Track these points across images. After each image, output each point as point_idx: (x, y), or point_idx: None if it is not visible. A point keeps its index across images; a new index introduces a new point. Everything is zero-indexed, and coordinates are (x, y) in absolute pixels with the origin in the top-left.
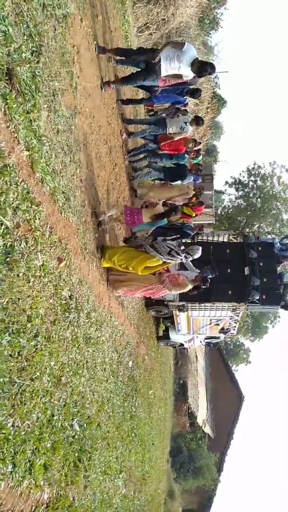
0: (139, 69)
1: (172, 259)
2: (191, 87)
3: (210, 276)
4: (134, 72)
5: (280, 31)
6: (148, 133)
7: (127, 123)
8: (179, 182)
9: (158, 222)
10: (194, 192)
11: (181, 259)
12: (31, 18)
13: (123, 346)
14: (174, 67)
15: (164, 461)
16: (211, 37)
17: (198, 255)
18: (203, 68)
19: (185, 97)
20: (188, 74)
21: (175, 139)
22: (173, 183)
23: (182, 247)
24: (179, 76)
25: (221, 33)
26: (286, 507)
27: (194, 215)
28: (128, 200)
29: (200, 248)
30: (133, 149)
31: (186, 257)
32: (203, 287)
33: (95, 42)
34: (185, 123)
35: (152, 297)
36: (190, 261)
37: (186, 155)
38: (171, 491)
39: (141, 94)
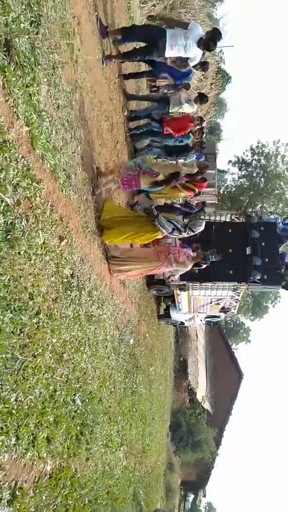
0: (142, 45)
1: (174, 235)
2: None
3: (214, 260)
4: (137, 47)
5: None
6: (151, 111)
7: (130, 99)
8: (182, 160)
9: (158, 187)
10: (197, 169)
11: (184, 235)
12: None
13: (124, 324)
14: (181, 43)
15: (164, 435)
16: (216, 9)
17: (201, 228)
18: (211, 40)
19: (190, 70)
20: (195, 53)
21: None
22: (177, 161)
23: (186, 221)
24: (185, 62)
25: (226, 5)
26: (279, 482)
27: (196, 190)
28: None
29: (204, 222)
30: (135, 128)
31: (188, 233)
32: (203, 265)
33: (96, 16)
34: (189, 100)
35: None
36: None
37: (191, 134)
38: (171, 463)
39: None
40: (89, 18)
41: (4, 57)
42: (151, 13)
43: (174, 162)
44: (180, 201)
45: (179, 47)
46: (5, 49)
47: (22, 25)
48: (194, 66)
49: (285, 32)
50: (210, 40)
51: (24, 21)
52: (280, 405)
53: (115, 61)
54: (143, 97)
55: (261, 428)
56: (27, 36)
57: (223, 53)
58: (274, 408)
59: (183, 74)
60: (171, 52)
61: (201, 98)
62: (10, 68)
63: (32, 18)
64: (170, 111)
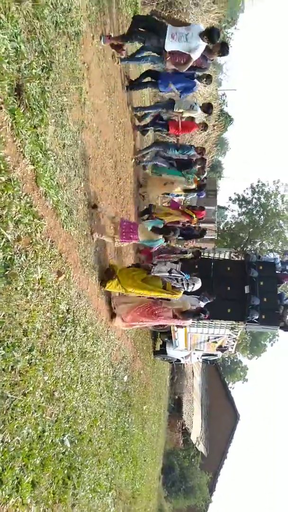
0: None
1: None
2: (200, 73)
3: (208, 301)
4: (137, 29)
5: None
6: (158, 108)
7: (136, 111)
8: (183, 179)
9: (156, 241)
10: (195, 186)
11: (184, 288)
12: (43, 35)
13: (119, 361)
14: (182, 32)
15: (155, 478)
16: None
17: (198, 286)
18: (213, 32)
19: (194, 80)
20: (197, 44)
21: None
22: (178, 176)
23: (185, 278)
24: (188, 58)
25: (230, 51)
26: None
27: (195, 217)
28: (130, 214)
29: (200, 280)
30: (143, 149)
31: (187, 286)
32: (202, 317)
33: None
34: (195, 103)
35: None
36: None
37: (193, 147)
38: (161, 510)
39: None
40: (99, 64)
41: (15, 100)
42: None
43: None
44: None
45: (180, 36)
46: (16, 93)
47: (34, 71)
48: (199, 79)
49: (284, 78)
50: (212, 32)
51: (36, 67)
52: (277, 448)
53: (116, 50)
54: (148, 107)
55: (258, 473)
56: (38, 81)
57: (225, 96)
58: (271, 451)
59: (186, 87)
60: (172, 42)
61: (208, 108)
62: (20, 110)
63: (44, 64)
64: (176, 110)
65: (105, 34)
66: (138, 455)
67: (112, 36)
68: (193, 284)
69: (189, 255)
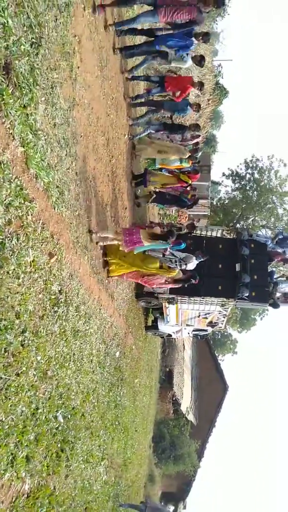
0: None
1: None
2: (196, 30)
3: (202, 260)
4: None
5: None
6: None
7: (127, 56)
8: (178, 138)
9: (159, 244)
10: (189, 154)
11: (178, 268)
12: (32, 8)
13: (111, 337)
14: None
15: (146, 446)
16: (216, 23)
17: (192, 265)
18: None
19: (192, 39)
20: None
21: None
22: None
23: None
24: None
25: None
26: (261, 494)
27: (190, 182)
28: (123, 192)
29: (194, 258)
30: (138, 117)
31: (181, 266)
32: (193, 281)
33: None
34: (186, 54)
35: (145, 285)
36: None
37: (188, 108)
38: (152, 475)
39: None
40: (90, 36)
41: (3, 80)
42: None
43: (170, 140)
44: (174, 193)
45: None
46: (4, 72)
47: (22, 47)
48: (196, 36)
49: (282, 49)
50: None
51: (25, 43)
52: (263, 417)
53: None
54: (140, 53)
55: (244, 441)
56: (27, 58)
57: (221, 67)
58: (257, 420)
59: (183, 45)
60: None
61: (200, 61)
62: (8, 90)
63: (33, 40)
64: (170, 64)
65: (98, 3)
66: (129, 426)
67: (106, 3)
68: (186, 263)
69: (184, 231)
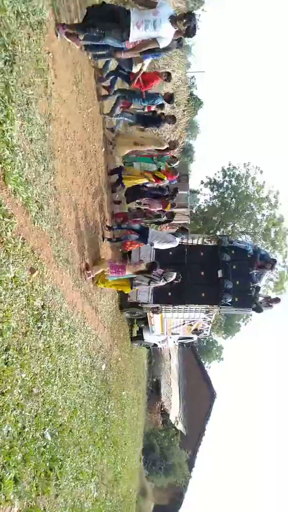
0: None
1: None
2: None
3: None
4: (94, 21)
5: (256, 31)
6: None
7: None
8: (155, 136)
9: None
10: (167, 146)
11: (160, 284)
12: (5, 27)
13: (96, 350)
14: (149, 19)
15: (136, 459)
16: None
17: (172, 278)
18: (186, 17)
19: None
20: (166, 32)
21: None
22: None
23: (160, 272)
24: (154, 42)
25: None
26: (253, 501)
27: (165, 179)
28: (103, 204)
29: (175, 273)
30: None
31: (163, 282)
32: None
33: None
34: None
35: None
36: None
37: (159, 96)
38: (143, 489)
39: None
40: (64, 53)
41: None
42: None
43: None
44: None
45: (147, 24)
46: None
47: None
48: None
49: (255, 58)
50: (184, 17)
51: None
52: (252, 423)
53: (72, 40)
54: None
55: (235, 447)
56: (1, 76)
57: (195, 78)
58: (246, 426)
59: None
60: (137, 32)
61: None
62: None
63: (6, 58)
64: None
65: (59, 22)
66: (118, 439)
67: (67, 24)
68: (167, 279)
69: (163, 219)
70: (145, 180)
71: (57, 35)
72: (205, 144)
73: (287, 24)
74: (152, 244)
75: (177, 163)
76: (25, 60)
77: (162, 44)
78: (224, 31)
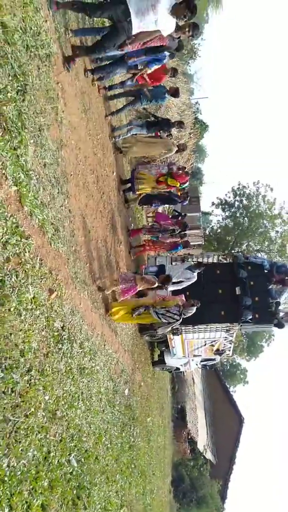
0: (104, 34)
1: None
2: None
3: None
4: (100, 39)
5: (256, 56)
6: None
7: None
8: (165, 140)
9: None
10: (177, 149)
11: (180, 320)
12: (16, 59)
13: (118, 374)
14: (149, 20)
15: (166, 491)
16: (189, 65)
17: (192, 312)
18: (191, 4)
19: (165, 53)
20: (169, 25)
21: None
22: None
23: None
24: (157, 32)
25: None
26: None
27: (178, 185)
28: (117, 226)
29: (194, 308)
30: (116, 111)
31: (182, 316)
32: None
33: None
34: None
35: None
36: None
37: (166, 95)
38: None
39: None
40: (72, 83)
41: None
42: None
43: (154, 134)
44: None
45: (148, 25)
46: None
47: (9, 94)
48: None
49: (255, 81)
50: (190, 7)
51: (11, 90)
52: (284, 446)
53: (77, 60)
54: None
55: (268, 474)
56: (14, 104)
57: (199, 104)
58: (278, 450)
59: (155, 58)
60: (139, 31)
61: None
62: None
63: (18, 87)
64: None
65: (66, 58)
66: (146, 469)
67: (75, 53)
68: (186, 315)
69: (177, 232)
70: (158, 190)
71: (68, 69)
72: (213, 167)
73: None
74: (166, 288)
75: (187, 184)
76: (36, 90)
77: (165, 33)
78: (224, 58)
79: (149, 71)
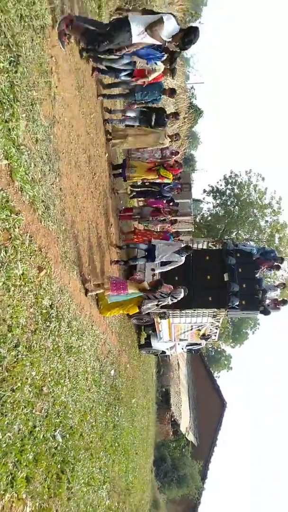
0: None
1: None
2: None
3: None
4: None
5: (253, 42)
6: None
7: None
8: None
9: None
10: (170, 140)
11: (168, 302)
12: (9, 28)
13: (105, 355)
14: (148, 40)
15: (148, 470)
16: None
17: (181, 296)
18: (187, 37)
19: (162, 53)
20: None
21: (150, 78)
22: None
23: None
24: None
25: (196, 45)
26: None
27: (171, 176)
28: (107, 208)
29: (183, 290)
30: (109, 95)
31: (171, 300)
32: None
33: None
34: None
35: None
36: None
37: (161, 95)
38: (156, 501)
39: None
40: (66, 58)
41: None
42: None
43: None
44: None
45: (147, 36)
46: None
47: (1, 64)
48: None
49: (251, 68)
50: (185, 41)
51: (3, 60)
52: (264, 432)
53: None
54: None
55: (247, 457)
56: (6, 75)
57: (194, 89)
58: (258, 435)
59: (153, 55)
60: (138, 38)
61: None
62: None
63: (11, 58)
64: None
65: (59, 33)
66: (129, 448)
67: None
68: (176, 297)
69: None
70: (150, 177)
71: (62, 47)
72: (206, 155)
73: (284, 31)
74: (153, 270)
75: (180, 171)
76: (29, 62)
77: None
78: (222, 42)
79: (151, 76)
